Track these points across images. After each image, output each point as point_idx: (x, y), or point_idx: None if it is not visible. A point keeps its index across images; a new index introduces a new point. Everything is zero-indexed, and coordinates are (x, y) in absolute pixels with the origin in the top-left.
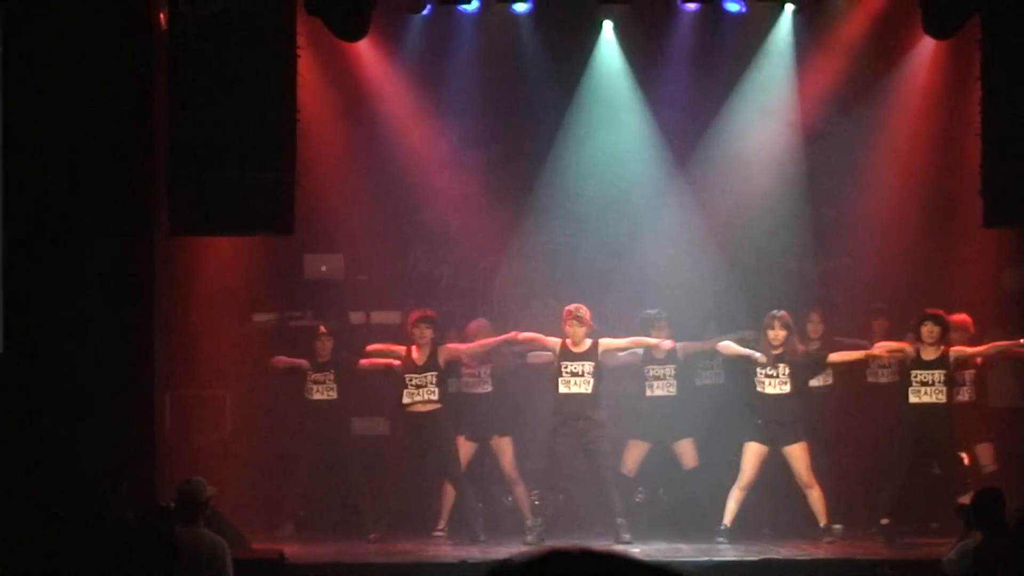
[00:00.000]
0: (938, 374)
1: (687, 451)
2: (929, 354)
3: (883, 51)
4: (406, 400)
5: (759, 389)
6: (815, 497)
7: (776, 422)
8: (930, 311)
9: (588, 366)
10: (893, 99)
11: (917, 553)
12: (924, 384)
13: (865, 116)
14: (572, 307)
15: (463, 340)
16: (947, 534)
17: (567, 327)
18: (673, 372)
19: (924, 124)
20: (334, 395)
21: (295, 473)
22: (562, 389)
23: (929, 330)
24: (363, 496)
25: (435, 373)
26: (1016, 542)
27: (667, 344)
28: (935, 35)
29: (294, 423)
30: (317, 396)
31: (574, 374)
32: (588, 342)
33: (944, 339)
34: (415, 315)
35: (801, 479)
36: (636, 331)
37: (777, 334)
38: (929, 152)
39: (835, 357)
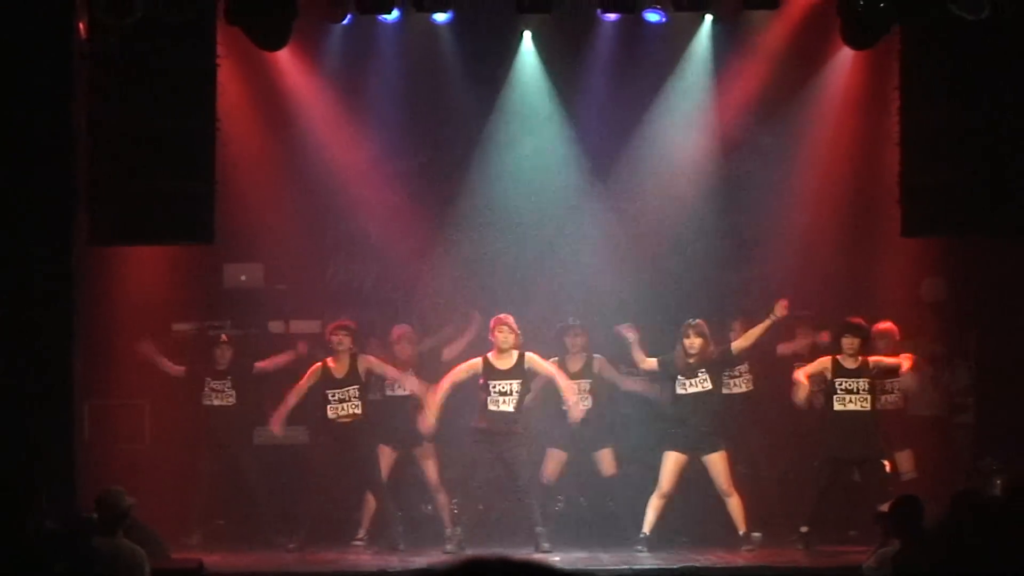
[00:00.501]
0: (862, 382)
1: (606, 460)
2: (850, 363)
3: (803, 61)
4: (331, 415)
5: (679, 391)
6: (734, 505)
7: (696, 429)
8: (850, 321)
9: (515, 384)
10: (813, 109)
11: (836, 561)
12: (849, 392)
13: (785, 126)
14: (501, 316)
15: (384, 350)
16: (866, 542)
17: (496, 335)
18: (588, 387)
19: (844, 134)
20: (232, 401)
21: (198, 482)
22: (491, 407)
23: (849, 342)
24: (266, 505)
25: (357, 386)
26: (934, 550)
27: (577, 412)
28: (854, 46)
29: (196, 431)
30: (216, 402)
31: (502, 393)
32: (514, 355)
33: (865, 348)
34: (334, 325)
35: (720, 487)
36: (554, 340)
37: (693, 342)
38: (849, 161)
39: (739, 343)
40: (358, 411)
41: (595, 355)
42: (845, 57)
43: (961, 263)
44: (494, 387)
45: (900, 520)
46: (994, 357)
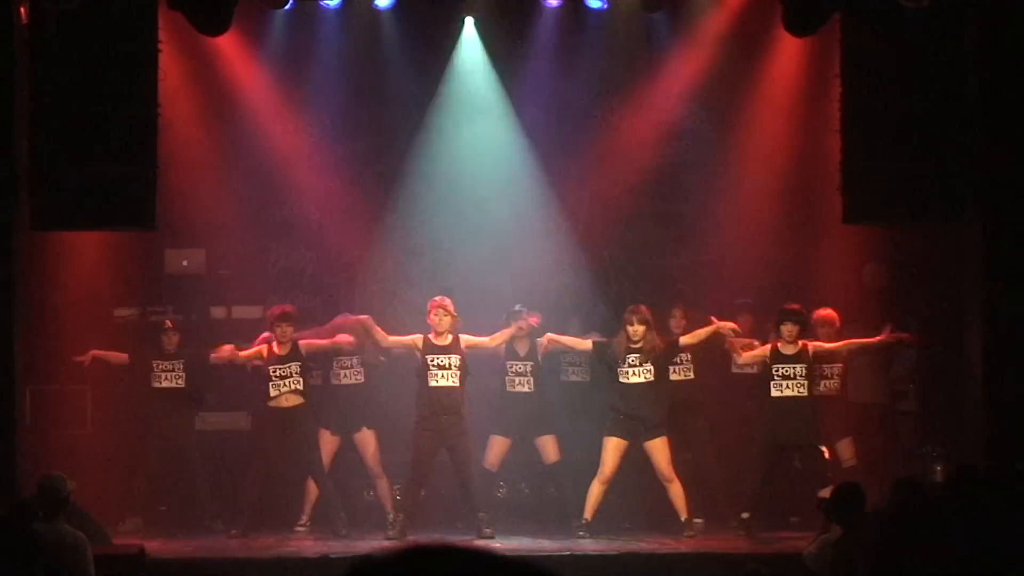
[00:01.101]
0: (799, 368)
1: (549, 446)
2: (789, 349)
3: (745, 48)
4: (272, 392)
5: (622, 380)
6: (675, 491)
7: (638, 417)
8: (789, 308)
9: (454, 359)
10: (755, 96)
11: (778, 547)
12: (785, 378)
13: (727, 112)
14: (438, 298)
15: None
16: (807, 528)
17: (432, 317)
18: (530, 369)
19: (785, 121)
20: (182, 384)
21: (141, 466)
22: (431, 383)
23: (789, 329)
24: (207, 491)
25: (298, 363)
26: (875, 537)
27: (532, 321)
28: (795, 33)
29: (142, 414)
30: (165, 384)
31: (441, 367)
32: (450, 337)
33: (804, 335)
34: (276, 312)
35: (662, 473)
36: (501, 326)
37: (636, 329)
38: (790, 148)
39: (686, 339)
40: (299, 387)
41: (539, 339)
42: (787, 44)
43: (902, 250)
44: (432, 360)
45: (841, 507)
46: (934, 343)
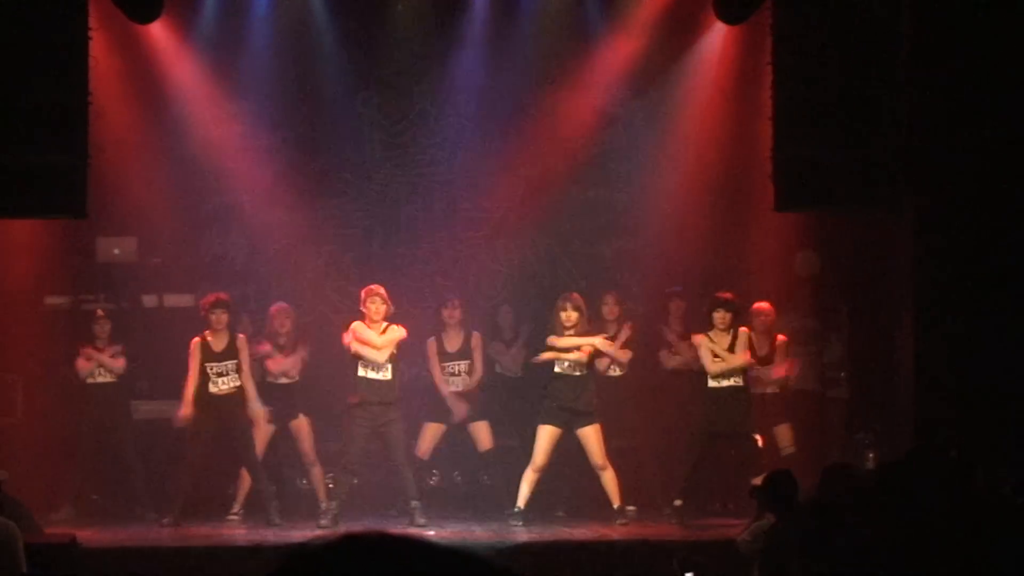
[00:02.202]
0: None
1: (482, 434)
2: (722, 338)
3: (677, 34)
4: (212, 390)
5: (556, 368)
6: (608, 479)
7: (571, 405)
8: (720, 296)
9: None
10: (686, 82)
11: (710, 534)
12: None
13: (658, 99)
14: (373, 286)
15: (259, 326)
16: (741, 515)
17: (367, 305)
18: (467, 368)
19: (717, 108)
20: (112, 378)
21: (73, 454)
22: (360, 373)
23: (721, 317)
24: (140, 480)
25: (235, 361)
26: (808, 523)
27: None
28: (726, 20)
29: (75, 404)
30: (100, 379)
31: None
32: (383, 326)
33: (736, 321)
34: (210, 299)
35: (595, 461)
36: (432, 317)
37: (570, 315)
38: (722, 136)
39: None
40: (238, 383)
41: (473, 331)
42: (719, 31)
43: (834, 237)
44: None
45: (773, 494)
46: (866, 331)
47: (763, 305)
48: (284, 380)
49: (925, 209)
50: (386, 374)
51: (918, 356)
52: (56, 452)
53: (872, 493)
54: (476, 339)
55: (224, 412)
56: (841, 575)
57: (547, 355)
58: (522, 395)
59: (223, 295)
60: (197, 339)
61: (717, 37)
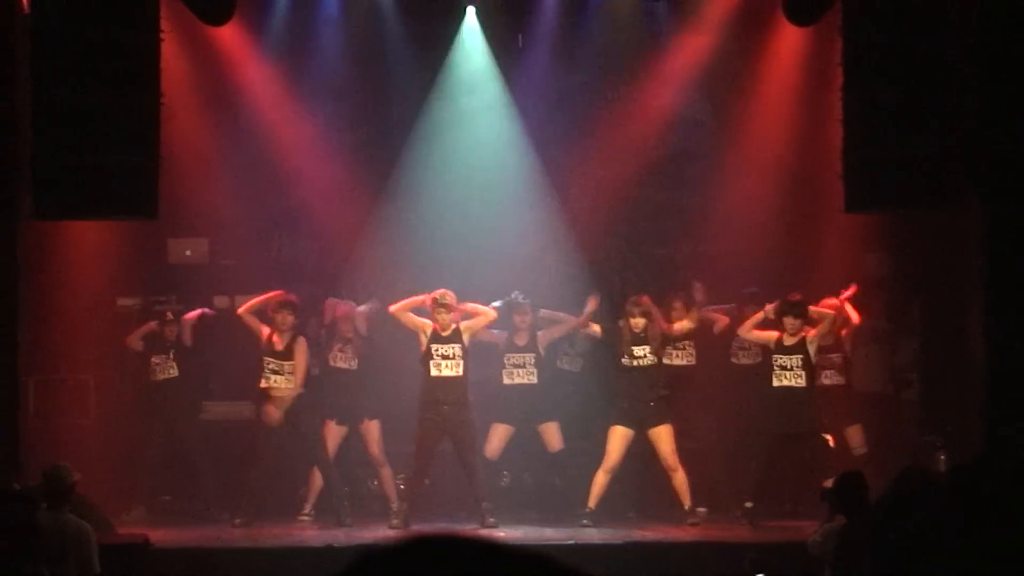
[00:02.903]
0: (796, 359)
1: (552, 434)
2: (789, 340)
3: (747, 36)
4: (263, 384)
5: (625, 363)
6: (679, 480)
7: (641, 401)
8: (791, 300)
9: (457, 348)
10: (756, 84)
11: (781, 536)
12: (784, 368)
13: (729, 100)
14: (437, 294)
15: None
16: (812, 517)
17: (434, 315)
18: (533, 360)
19: (788, 109)
20: (175, 373)
21: (145, 456)
22: (433, 373)
23: (791, 323)
24: (211, 480)
25: (292, 363)
26: (879, 525)
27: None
28: (796, 21)
29: (145, 402)
30: (161, 376)
31: (444, 356)
32: (453, 325)
33: (805, 326)
34: (276, 301)
35: (666, 461)
36: (500, 318)
37: (637, 322)
38: (792, 137)
39: (680, 325)
40: (290, 386)
41: (538, 331)
42: (788, 32)
43: (904, 238)
44: (436, 350)
45: (845, 495)
46: (937, 332)
47: (833, 302)
48: (345, 366)
49: (996, 209)
50: (458, 370)
51: (989, 357)
52: (129, 453)
53: (944, 495)
54: (543, 337)
55: (291, 412)
56: None
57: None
58: (591, 396)
59: (291, 297)
60: (267, 332)
61: (788, 37)
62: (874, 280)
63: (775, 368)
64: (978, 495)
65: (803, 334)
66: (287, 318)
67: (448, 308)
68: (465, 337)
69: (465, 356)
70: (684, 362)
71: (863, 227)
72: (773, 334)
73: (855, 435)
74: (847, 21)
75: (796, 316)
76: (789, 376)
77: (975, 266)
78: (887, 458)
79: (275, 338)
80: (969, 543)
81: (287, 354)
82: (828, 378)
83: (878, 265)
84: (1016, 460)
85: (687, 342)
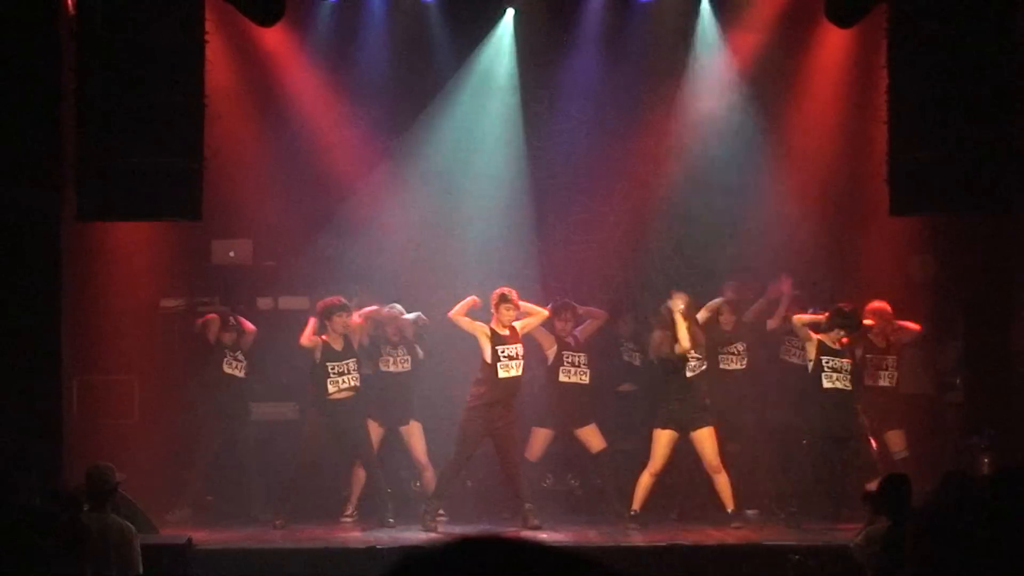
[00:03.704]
0: (846, 363)
1: (592, 436)
2: (835, 342)
3: (791, 39)
4: (331, 389)
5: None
6: (722, 482)
7: (688, 406)
8: (841, 310)
9: (520, 348)
10: (800, 87)
11: (824, 538)
12: (834, 371)
13: (771, 104)
14: (503, 290)
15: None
16: (854, 520)
17: (498, 312)
18: (586, 360)
19: (832, 111)
20: (242, 373)
21: (196, 454)
22: (501, 374)
23: (836, 336)
24: (255, 481)
25: (355, 360)
26: (923, 528)
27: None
28: (838, 23)
29: (200, 401)
30: (228, 371)
31: (510, 357)
32: (509, 327)
33: (853, 338)
34: (328, 305)
35: (710, 464)
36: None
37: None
38: (836, 140)
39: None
40: (357, 383)
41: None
42: (832, 34)
43: (949, 241)
44: (502, 352)
45: (888, 498)
46: (981, 335)
47: (879, 304)
48: (396, 368)
49: None
50: (519, 369)
51: None
52: (174, 453)
53: (988, 499)
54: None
55: (339, 414)
56: None
57: None
58: (638, 397)
59: (340, 299)
60: (320, 339)
61: (832, 39)
62: (919, 283)
63: (825, 369)
64: (1022, 499)
65: (850, 339)
66: (342, 321)
67: (513, 304)
68: (521, 336)
69: (524, 356)
70: (737, 366)
71: (909, 230)
72: (814, 337)
73: (896, 438)
74: (893, 22)
75: (846, 329)
76: (839, 379)
77: (1019, 268)
78: (930, 461)
79: (334, 343)
80: (1012, 548)
81: (348, 353)
82: (882, 379)
83: (923, 267)
84: None
85: (740, 345)
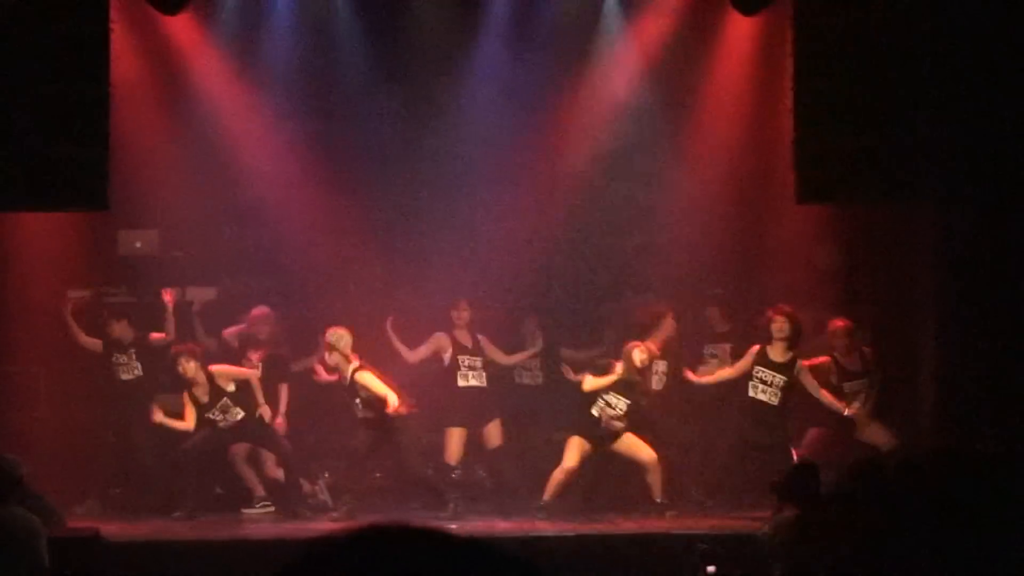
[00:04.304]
0: (780, 379)
1: (492, 432)
2: (779, 356)
3: (699, 24)
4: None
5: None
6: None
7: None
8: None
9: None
10: (707, 74)
11: (732, 526)
12: (763, 383)
13: (680, 90)
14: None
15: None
16: (762, 508)
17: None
18: (482, 364)
19: (738, 99)
20: (138, 374)
21: (97, 451)
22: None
23: (775, 347)
24: (158, 474)
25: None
26: (830, 516)
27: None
28: (743, 11)
29: (96, 400)
30: (124, 376)
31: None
32: (354, 365)
33: (794, 348)
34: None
35: (640, 457)
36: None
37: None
38: (743, 127)
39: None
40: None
41: (479, 335)
42: (739, 22)
43: (855, 230)
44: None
45: (795, 487)
46: (891, 326)
47: (841, 323)
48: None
49: (947, 200)
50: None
51: (939, 349)
52: (78, 446)
53: (895, 487)
54: (484, 341)
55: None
56: (863, 569)
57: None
58: (548, 406)
59: (192, 346)
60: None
61: (739, 26)
62: (824, 272)
63: (754, 379)
64: (928, 492)
65: (792, 354)
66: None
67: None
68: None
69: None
70: (657, 387)
71: (815, 217)
72: (754, 349)
73: (877, 431)
74: (799, 10)
75: (786, 345)
76: (766, 391)
77: (925, 257)
78: (835, 452)
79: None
80: (918, 536)
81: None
82: (864, 405)
83: (828, 257)
84: (968, 456)
85: (660, 366)
